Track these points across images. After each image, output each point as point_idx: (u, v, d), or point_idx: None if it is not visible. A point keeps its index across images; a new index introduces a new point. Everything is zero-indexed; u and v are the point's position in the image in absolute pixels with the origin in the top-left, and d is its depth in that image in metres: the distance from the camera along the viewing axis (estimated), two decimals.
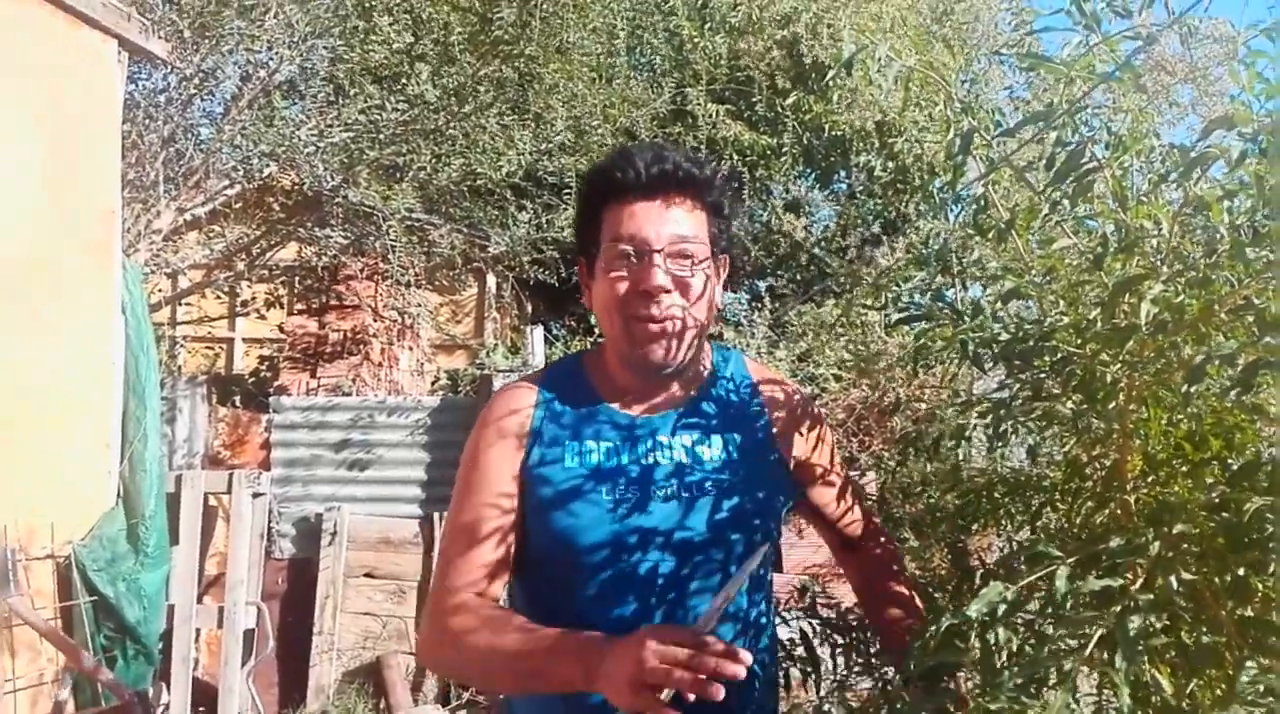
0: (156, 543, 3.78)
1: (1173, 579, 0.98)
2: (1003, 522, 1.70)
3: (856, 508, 1.61)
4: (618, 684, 1.06)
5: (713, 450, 1.39)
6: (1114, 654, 0.97)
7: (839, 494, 1.58)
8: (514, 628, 1.25)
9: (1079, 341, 1.25)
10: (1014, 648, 0.97)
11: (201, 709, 4.68)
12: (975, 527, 1.90)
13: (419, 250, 5.50)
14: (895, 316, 1.29)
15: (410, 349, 6.47)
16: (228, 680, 4.50)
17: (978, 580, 1.64)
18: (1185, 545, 1.00)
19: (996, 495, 1.66)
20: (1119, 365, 1.20)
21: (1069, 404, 1.27)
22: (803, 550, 4.41)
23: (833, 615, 1.77)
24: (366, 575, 4.86)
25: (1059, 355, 1.26)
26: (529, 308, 7.23)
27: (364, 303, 6.02)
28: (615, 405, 1.39)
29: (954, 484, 1.79)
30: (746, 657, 1.03)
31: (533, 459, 1.34)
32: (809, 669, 1.63)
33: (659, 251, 1.30)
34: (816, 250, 8.86)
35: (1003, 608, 0.91)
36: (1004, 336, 1.18)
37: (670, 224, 1.32)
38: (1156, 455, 1.22)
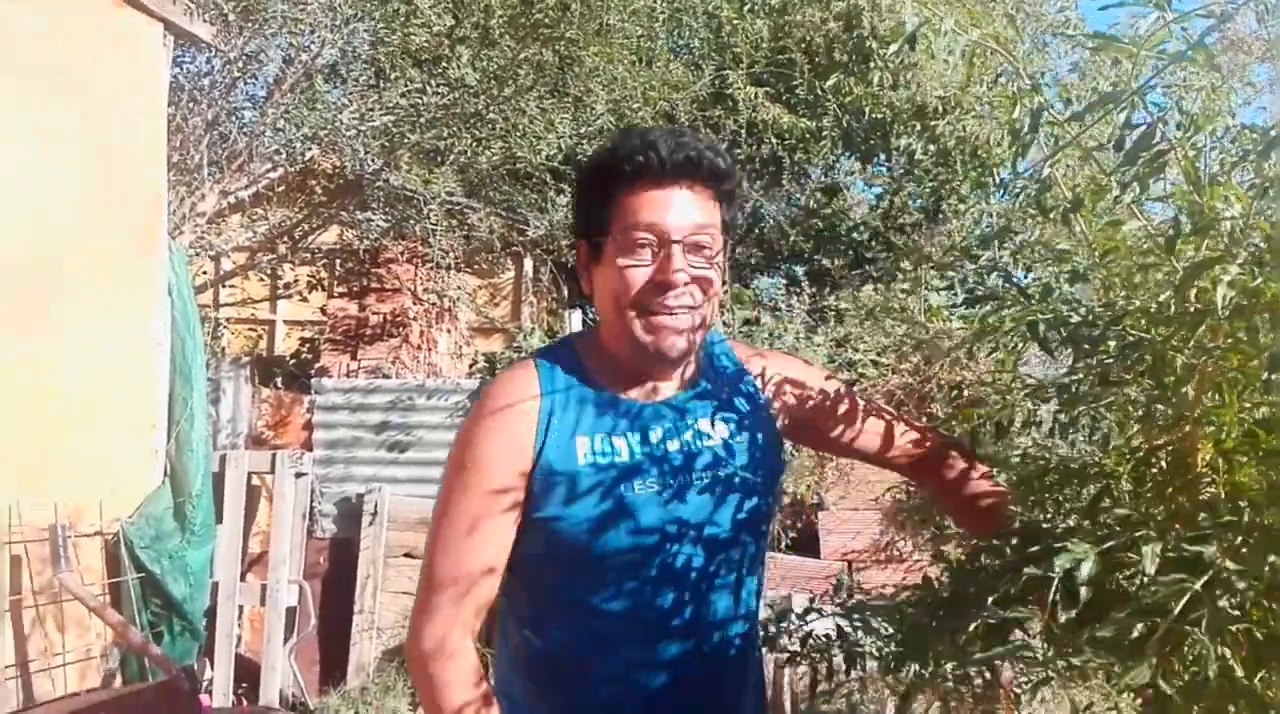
0: (202, 521, 3.83)
1: (1265, 560, 0.95)
2: (1056, 510, 1.67)
3: (895, 425, 1.51)
4: None
5: (722, 430, 1.37)
6: (1196, 627, 0.95)
7: (870, 418, 1.49)
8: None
9: (1149, 326, 1.23)
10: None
11: (244, 685, 4.75)
12: (1019, 514, 1.87)
13: (458, 234, 5.51)
14: (962, 297, 1.26)
15: (449, 332, 6.50)
16: (270, 657, 4.56)
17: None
18: (1272, 529, 0.97)
19: (1049, 481, 1.63)
20: (1190, 351, 1.18)
21: (1138, 391, 1.25)
22: (840, 537, 4.40)
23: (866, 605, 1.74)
24: (406, 555, 4.90)
25: (1127, 341, 1.24)
26: (565, 292, 7.23)
27: (404, 286, 6.05)
28: (622, 393, 1.35)
29: (1005, 470, 1.77)
30: None
31: (545, 456, 1.28)
32: (847, 663, 1.61)
33: (679, 242, 1.27)
34: (856, 234, 8.78)
35: (1087, 566, 0.89)
36: (1074, 319, 1.15)
37: (690, 213, 1.28)
38: (1226, 443, 1.19)
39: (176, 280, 3.94)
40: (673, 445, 1.34)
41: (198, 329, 3.96)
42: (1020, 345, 1.40)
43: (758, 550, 1.41)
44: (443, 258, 5.38)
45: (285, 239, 5.55)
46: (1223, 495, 1.17)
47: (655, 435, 1.34)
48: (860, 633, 1.53)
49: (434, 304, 6.14)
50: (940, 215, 8.02)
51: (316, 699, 4.70)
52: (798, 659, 1.65)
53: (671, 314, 1.28)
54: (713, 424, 1.38)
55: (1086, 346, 1.21)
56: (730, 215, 1.37)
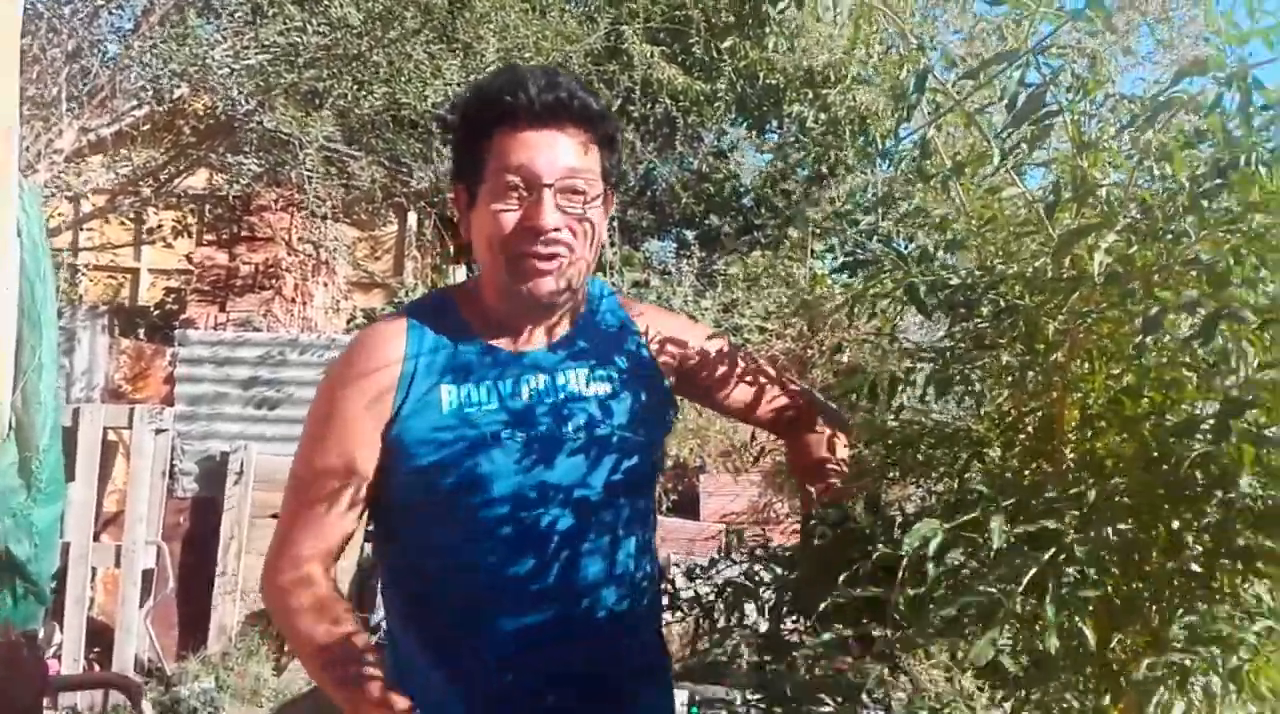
0: (50, 478, 3.57)
1: (1108, 530, 0.95)
2: (928, 474, 1.68)
3: (770, 388, 1.48)
4: None
5: (597, 387, 1.33)
6: (1043, 600, 0.95)
7: (749, 376, 1.47)
8: (336, 630, 1.22)
9: (1024, 292, 1.22)
10: (940, 590, 0.94)
11: (97, 650, 4.52)
12: (893, 479, 1.89)
13: (337, 182, 5.29)
14: (840, 262, 1.23)
15: (326, 286, 6.27)
16: (125, 621, 4.36)
17: (896, 531, 1.63)
18: (1120, 498, 0.97)
19: (924, 447, 1.64)
20: (1064, 317, 1.17)
21: (1010, 356, 1.24)
22: (720, 499, 4.42)
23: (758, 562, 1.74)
24: (273, 516, 4.71)
25: (1002, 306, 1.23)
26: (451, 247, 7.05)
27: (277, 236, 5.79)
28: (494, 341, 1.30)
29: (880, 435, 1.77)
30: None
31: (405, 410, 1.24)
32: (733, 618, 1.60)
33: (550, 186, 1.22)
34: (745, 200, 8.83)
35: (935, 544, 0.86)
36: (953, 282, 1.13)
37: (563, 156, 1.24)
38: (1092, 409, 1.20)
39: (27, 220, 3.62)
40: (542, 401, 1.29)
41: (50, 273, 3.66)
42: (898, 310, 1.38)
43: (634, 512, 1.36)
44: (319, 207, 5.15)
45: (150, 181, 5.22)
46: (1074, 464, 1.18)
47: (525, 389, 1.29)
48: (747, 586, 1.52)
49: (310, 256, 5.90)
50: (826, 183, 8.12)
51: (174, 664, 4.52)
52: (679, 611, 1.63)
53: (542, 259, 1.24)
54: (588, 382, 1.33)
55: (963, 311, 1.19)
56: (612, 162, 1.32)
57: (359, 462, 1.24)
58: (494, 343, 1.30)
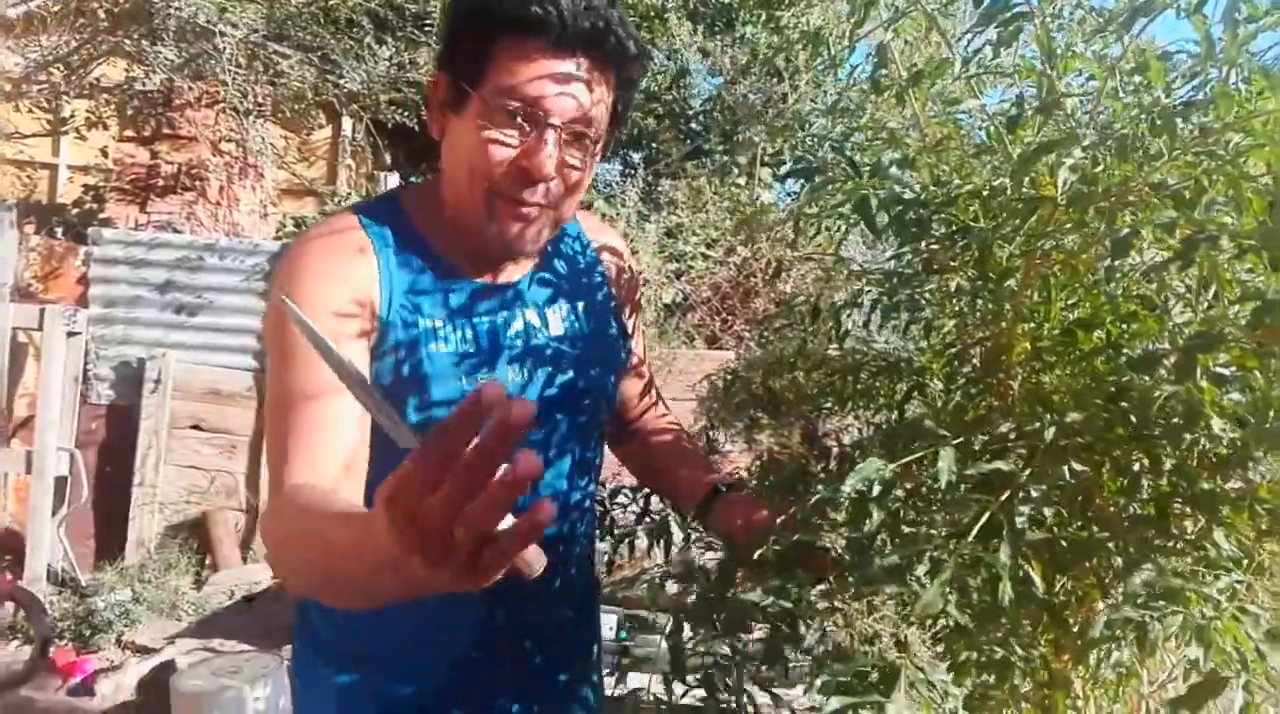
0: None
1: (1064, 469, 0.89)
2: (866, 405, 1.62)
3: (657, 400, 1.53)
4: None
5: (560, 317, 1.26)
6: (991, 545, 0.89)
7: (646, 385, 1.50)
8: (312, 520, 0.88)
9: (980, 213, 1.14)
10: (885, 534, 0.87)
11: (9, 559, 4.37)
12: (831, 408, 1.83)
13: (263, 78, 5.00)
14: (787, 168, 1.13)
15: (253, 189, 6.00)
16: (37, 530, 4.20)
17: (832, 463, 1.57)
18: (1077, 436, 0.91)
19: (864, 376, 1.57)
20: (1020, 241, 1.10)
21: (961, 279, 1.17)
22: None
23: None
24: (194, 427, 4.56)
25: (956, 227, 1.15)
26: (386, 156, 6.79)
27: (201, 134, 5.50)
28: (457, 267, 1.18)
29: (819, 363, 1.70)
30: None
31: (375, 342, 1.10)
32: (657, 539, 1.55)
33: (556, 128, 1.07)
34: (695, 124, 8.66)
35: (879, 486, 0.79)
36: (907, 196, 1.04)
37: (579, 97, 1.07)
38: (1043, 342, 1.13)
39: None
40: (507, 332, 1.20)
41: None
42: (843, 227, 1.29)
43: (585, 439, 1.30)
44: (241, 103, 4.86)
45: (61, 68, 4.89)
46: (1022, 399, 1.12)
47: (491, 314, 1.19)
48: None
49: (235, 157, 5.62)
50: (777, 107, 7.97)
51: (90, 575, 4.38)
52: (609, 537, 1.58)
53: (525, 206, 1.10)
54: (549, 315, 1.25)
55: (914, 230, 1.11)
56: (624, 106, 1.16)
57: (354, 356, 1.06)
58: (457, 270, 1.17)
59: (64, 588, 4.25)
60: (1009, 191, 1.07)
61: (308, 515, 0.86)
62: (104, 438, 4.56)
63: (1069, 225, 1.04)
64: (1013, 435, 0.88)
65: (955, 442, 0.85)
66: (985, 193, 1.10)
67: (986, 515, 0.73)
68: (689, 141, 8.70)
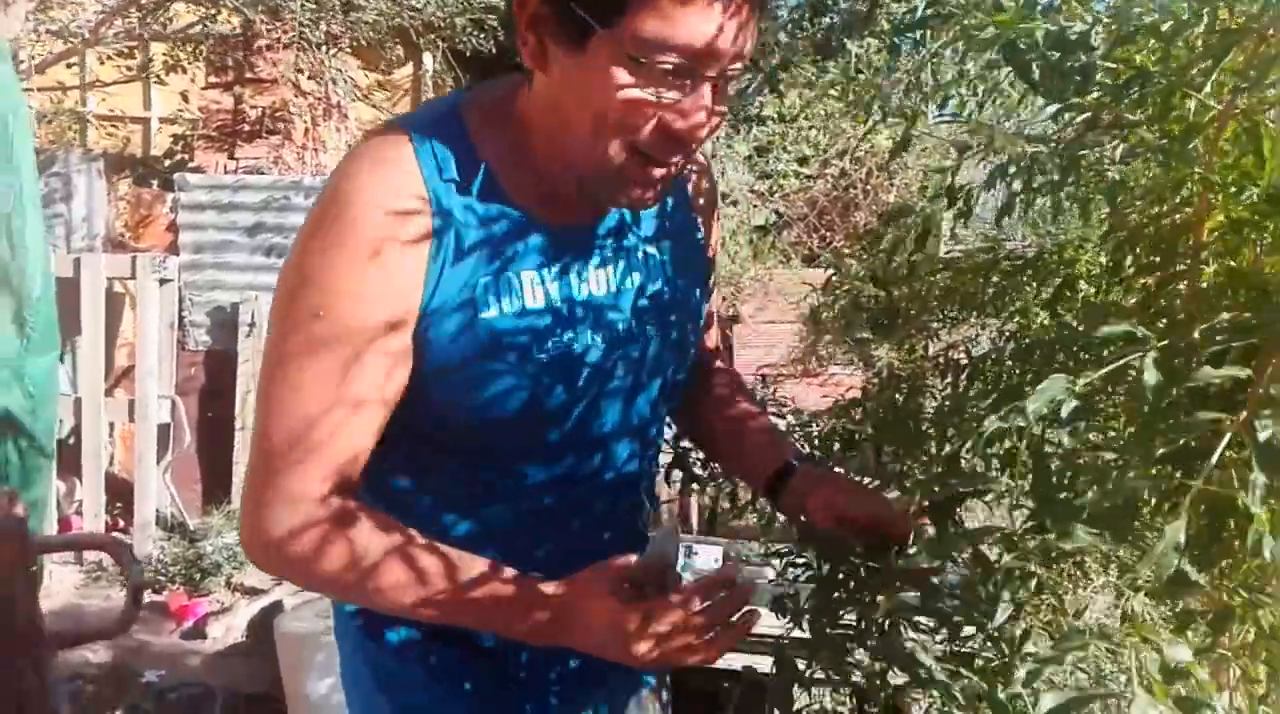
0: (43, 327, 3.41)
1: None
2: (1000, 311, 1.41)
3: (715, 327, 1.35)
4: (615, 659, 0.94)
5: (643, 257, 1.09)
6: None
7: (710, 331, 1.32)
8: (430, 561, 0.92)
9: (1161, 53, 0.91)
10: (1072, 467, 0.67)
11: (119, 505, 4.46)
12: (956, 317, 1.63)
13: (340, 18, 4.87)
14: (922, 8, 0.91)
15: (338, 131, 5.93)
16: (143, 477, 4.26)
17: (963, 379, 1.37)
18: None
19: (997, 278, 1.36)
20: (1215, 85, 0.87)
21: (1135, 142, 0.94)
22: (755, 351, 4.17)
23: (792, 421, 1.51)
24: None
25: (1128, 76, 0.92)
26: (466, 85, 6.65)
27: (282, 77, 5.42)
28: (537, 211, 0.99)
29: (943, 266, 1.49)
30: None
31: (435, 301, 0.94)
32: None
33: (716, 79, 0.88)
34: (782, 36, 8.28)
35: (1070, 407, 0.59)
36: (1076, 29, 0.82)
37: (740, 34, 0.88)
38: (1238, 211, 0.90)
39: None
40: (600, 285, 1.05)
41: (22, 108, 3.40)
42: (979, 89, 1.07)
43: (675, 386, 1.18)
44: (315, 34, 4.74)
45: (136, 11, 4.84)
46: (1217, 289, 0.90)
47: (574, 270, 1.03)
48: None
49: (319, 98, 5.54)
50: (865, 23, 7.57)
51: (198, 519, 4.44)
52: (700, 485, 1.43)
53: (663, 167, 0.93)
54: (647, 266, 1.09)
55: (1078, 78, 0.89)
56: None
57: (391, 349, 0.92)
58: (531, 213, 0.99)
59: (173, 533, 4.32)
60: (1202, 24, 0.85)
61: (425, 555, 0.92)
62: (203, 384, 4.59)
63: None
64: (1227, 332, 0.67)
65: (1160, 345, 0.64)
66: (1167, 27, 0.87)
67: (1226, 440, 0.52)
68: (775, 55, 8.33)
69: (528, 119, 0.98)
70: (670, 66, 0.86)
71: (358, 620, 1.13)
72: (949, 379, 1.45)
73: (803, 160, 5.79)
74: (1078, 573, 0.57)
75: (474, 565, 0.93)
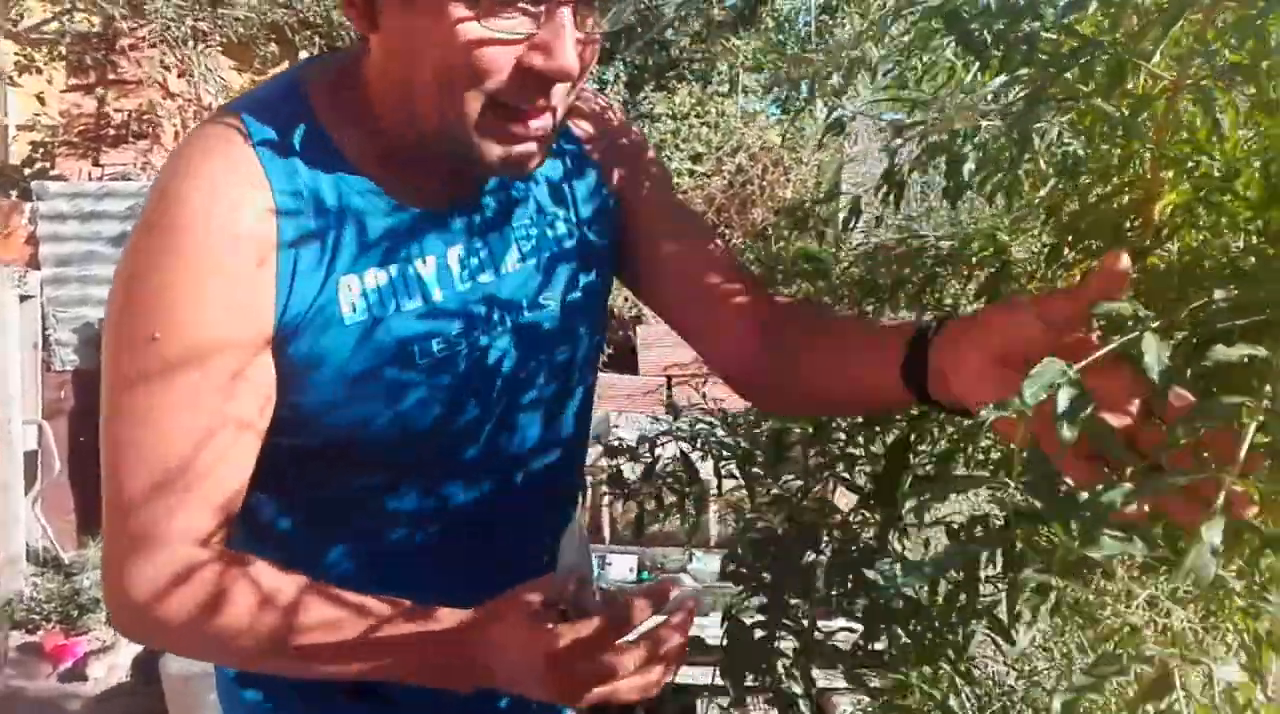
0: None
1: None
2: (930, 300, 1.36)
3: (727, 262, 1.07)
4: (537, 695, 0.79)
5: (531, 237, 0.96)
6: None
7: (719, 262, 1.06)
8: (320, 604, 0.79)
9: (1106, 22, 0.87)
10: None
11: None
12: (879, 309, 1.59)
13: (208, 13, 4.61)
14: None
15: None
16: (10, 509, 3.95)
17: None
18: None
19: (926, 264, 1.31)
20: (1166, 54, 0.82)
21: (1078, 114, 0.89)
22: (660, 350, 4.09)
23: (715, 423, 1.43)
24: None
25: (1077, 45, 0.87)
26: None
27: (147, 77, 5.13)
28: (389, 187, 0.87)
29: (868, 254, 1.44)
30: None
31: (289, 315, 0.82)
32: (685, 488, 1.30)
33: (570, 1, 0.77)
34: (670, 33, 8.27)
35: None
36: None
37: None
38: (1202, 186, 0.85)
39: None
40: (478, 277, 0.92)
41: None
42: (919, 64, 1.01)
43: (578, 390, 1.06)
44: (180, 28, 4.47)
45: None
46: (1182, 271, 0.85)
47: (429, 265, 0.89)
48: (706, 455, 1.20)
49: (188, 99, 5.25)
50: (748, 20, 7.63)
51: (74, 551, 4.15)
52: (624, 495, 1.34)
53: (537, 116, 0.81)
54: (530, 247, 0.97)
55: (1024, 47, 0.83)
56: None
57: (254, 381, 0.80)
58: (391, 190, 0.87)
59: (46, 568, 4.03)
60: None
61: (325, 601, 0.79)
62: (73, 406, 4.29)
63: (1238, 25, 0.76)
64: (1226, 311, 0.61)
65: (1155, 324, 0.57)
66: None
67: (1255, 426, 0.46)
68: (663, 52, 8.33)
69: (374, 92, 0.86)
70: None
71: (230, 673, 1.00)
72: None
73: (696, 158, 5.77)
74: (1104, 584, 0.51)
75: (385, 607, 0.82)
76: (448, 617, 0.81)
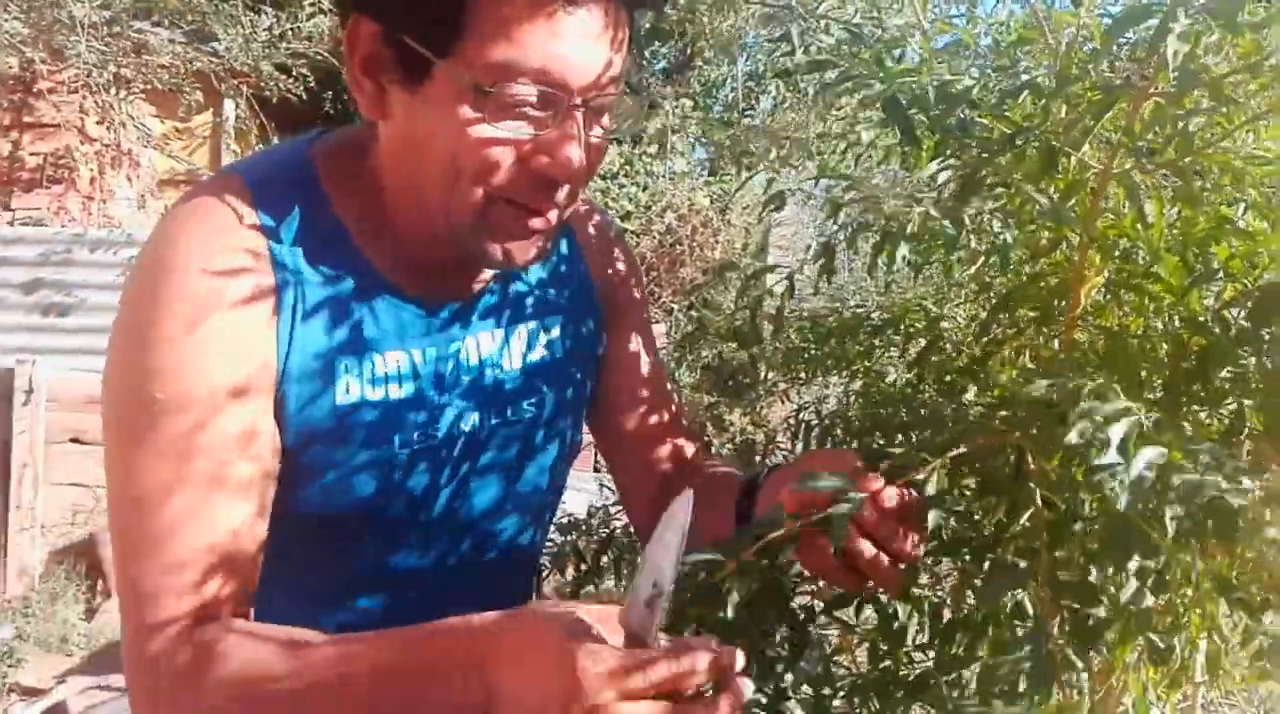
0: None
1: None
2: (863, 369, 1.39)
3: (676, 417, 1.11)
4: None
5: (528, 339, 0.98)
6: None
7: (671, 422, 1.09)
8: (329, 650, 0.73)
9: (1037, 108, 0.90)
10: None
11: None
12: (807, 377, 1.61)
13: (127, 48, 4.52)
14: (800, 59, 0.86)
15: (129, 180, 5.53)
16: None
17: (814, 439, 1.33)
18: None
19: (863, 335, 1.33)
20: (1096, 143, 0.86)
21: (1008, 201, 0.92)
22: None
23: None
24: (73, 441, 4.15)
25: (1005, 133, 0.90)
26: (274, 137, 6.35)
27: (66, 120, 5.03)
28: (398, 281, 0.87)
29: (808, 323, 1.46)
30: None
31: (294, 361, 0.80)
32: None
33: (581, 106, 0.76)
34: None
35: (1121, 428, 0.52)
36: (963, 83, 0.79)
37: (601, 52, 0.76)
38: (1126, 272, 0.89)
39: None
40: (456, 369, 0.91)
41: None
42: (857, 145, 1.03)
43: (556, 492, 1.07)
44: (102, 75, 4.38)
45: None
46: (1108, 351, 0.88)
47: (447, 354, 0.90)
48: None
49: (106, 144, 5.14)
50: (686, 74, 7.79)
51: None
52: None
53: (539, 216, 0.81)
54: (513, 340, 0.97)
55: (959, 132, 0.85)
56: (633, 45, 0.83)
57: (259, 454, 0.79)
58: (399, 288, 0.87)
59: None
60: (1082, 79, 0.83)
61: (313, 665, 0.72)
62: None
63: (1167, 119, 0.80)
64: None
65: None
66: (1047, 83, 0.85)
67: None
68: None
69: (381, 177, 0.85)
70: (525, 95, 0.74)
71: None
72: (800, 442, 1.42)
73: (625, 216, 5.84)
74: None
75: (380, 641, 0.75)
76: (460, 619, 0.73)
